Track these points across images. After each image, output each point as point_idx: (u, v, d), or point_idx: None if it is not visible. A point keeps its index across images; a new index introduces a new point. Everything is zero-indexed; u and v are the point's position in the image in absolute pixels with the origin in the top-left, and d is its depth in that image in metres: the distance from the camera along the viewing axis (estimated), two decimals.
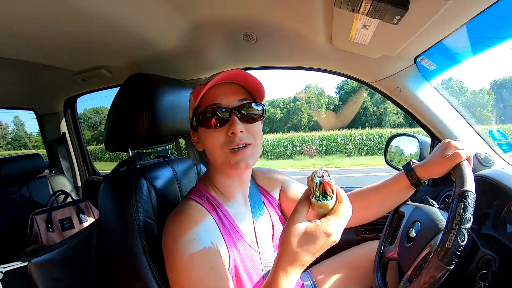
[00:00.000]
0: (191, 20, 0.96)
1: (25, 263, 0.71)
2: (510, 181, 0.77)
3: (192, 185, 0.79)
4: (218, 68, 1.27)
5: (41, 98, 1.89)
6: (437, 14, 0.58)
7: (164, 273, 0.62)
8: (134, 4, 0.82)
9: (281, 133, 18.52)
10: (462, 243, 0.52)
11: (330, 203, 0.48)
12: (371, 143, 15.05)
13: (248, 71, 0.66)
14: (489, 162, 0.97)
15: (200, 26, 1.00)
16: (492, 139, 1.05)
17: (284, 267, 0.48)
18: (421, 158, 1.16)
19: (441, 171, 0.71)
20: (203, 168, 1.08)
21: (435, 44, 0.87)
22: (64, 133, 2.00)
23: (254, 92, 0.69)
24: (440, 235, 0.58)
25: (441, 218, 0.72)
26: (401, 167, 0.81)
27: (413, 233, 0.76)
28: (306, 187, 0.89)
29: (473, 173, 0.64)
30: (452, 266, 0.53)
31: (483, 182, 0.83)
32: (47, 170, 2.06)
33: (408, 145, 1.32)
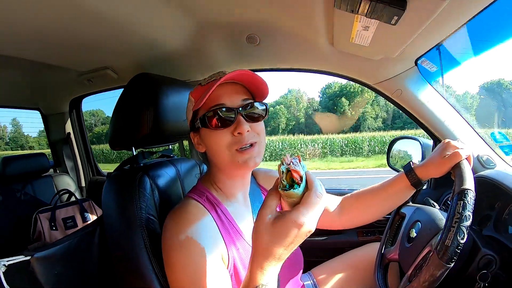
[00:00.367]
0: (196, 22, 0.98)
1: (28, 257, 0.72)
2: None
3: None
4: (221, 69, 1.28)
5: (46, 98, 1.92)
6: (435, 14, 0.59)
7: (164, 270, 0.63)
8: (140, 5, 0.84)
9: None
10: (462, 241, 0.53)
11: (297, 191, 0.44)
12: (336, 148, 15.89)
13: None
14: (491, 164, 0.96)
15: (205, 28, 1.01)
16: (494, 141, 1.05)
17: (259, 263, 0.46)
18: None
19: (441, 171, 0.71)
20: (206, 169, 1.08)
21: (436, 45, 0.88)
22: (69, 133, 2.03)
23: (256, 92, 0.70)
24: (440, 234, 0.58)
25: (442, 217, 0.72)
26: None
27: (413, 233, 0.76)
28: None
29: (474, 173, 0.64)
30: (452, 264, 0.53)
31: (484, 183, 0.83)
32: (51, 170, 2.09)
33: (410, 148, 1.32)
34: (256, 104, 0.67)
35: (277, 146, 16.70)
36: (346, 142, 16.44)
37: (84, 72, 1.39)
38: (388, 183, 0.81)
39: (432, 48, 0.91)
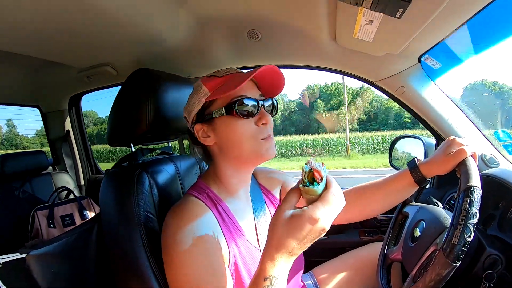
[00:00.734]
0: (196, 17, 0.97)
1: (23, 255, 0.71)
2: None
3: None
4: (222, 65, 1.27)
5: (46, 96, 1.90)
6: (441, 8, 0.57)
7: (163, 268, 0.62)
8: (140, 0, 0.83)
9: None
10: (469, 239, 0.51)
11: (317, 189, 0.48)
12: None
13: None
14: (494, 163, 0.95)
15: (205, 23, 1.00)
16: (498, 140, 1.04)
17: (270, 254, 0.47)
18: None
19: (446, 168, 0.69)
20: (205, 166, 1.07)
21: (439, 42, 0.87)
22: (68, 131, 2.01)
23: (267, 89, 0.71)
24: (446, 232, 0.57)
25: (446, 216, 0.70)
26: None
27: (417, 233, 0.74)
28: None
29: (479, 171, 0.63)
30: (459, 263, 0.51)
31: (488, 181, 0.82)
32: (50, 168, 2.07)
33: (413, 147, 1.30)
34: (271, 100, 0.71)
35: None
36: (313, 143, 16.94)
37: (83, 69, 1.38)
38: (392, 179, 0.79)
39: (436, 45, 0.90)
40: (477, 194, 0.55)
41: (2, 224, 1.53)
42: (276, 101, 0.73)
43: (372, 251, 1.00)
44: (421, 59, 0.99)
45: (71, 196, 1.72)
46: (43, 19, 0.85)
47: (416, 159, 0.77)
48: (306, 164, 0.51)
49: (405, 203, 0.88)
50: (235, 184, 0.73)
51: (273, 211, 0.82)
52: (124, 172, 0.80)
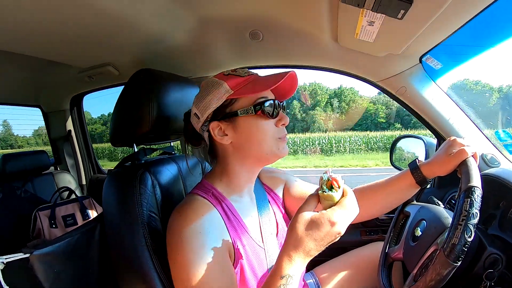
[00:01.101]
0: (198, 17, 0.97)
1: (27, 255, 0.71)
2: None
3: (197, 182, 0.78)
4: (224, 66, 1.27)
5: (47, 95, 1.90)
6: (442, 8, 0.58)
7: (166, 268, 0.62)
8: (142, 0, 0.83)
9: None
10: (469, 239, 0.52)
11: (335, 195, 0.52)
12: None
13: (253, 70, 0.70)
14: (495, 163, 0.95)
15: (207, 23, 1.00)
16: (498, 140, 1.04)
17: (288, 251, 0.50)
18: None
19: (447, 168, 0.70)
20: (208, 166, 1.07)
21: (441, 42, 0.87)
22: (70, 130, 2.02)
23: (281, 92, 0.74)
24: (446, 232, 0.57)
25: (447, 216, 0.71)
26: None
27: (418, 232, 0.75)
28: (309, 184, 0.88)
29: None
30: (459, 263, 0.52)
31: (489, 181, 0.82)
32: (52, 167, 2.07)
33: (414, 147, 1.31)
34: (283, 103, 0.75)
35: None
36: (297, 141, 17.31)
37: (85, 68, 1.38)
38: (393, 179, 0.80)
39: (437, 45, 0.90)
40: (478, 194, 0.55)
41: (4, 224, 1.53)
42: (285, 103, 0.76)
43: (373, 250, 1.01)
44: (422, 59, 0.99)
45: (73, 196, 1.72)
46: (44, 19, 0.85)
47: (417, 160, 0.77)
48: (324, 173, 0.55)
49: (406, 202, 0.88)
50: (244, 182, 0.74)
51: (276, 210, 0.82)
52: (127, 172, 0.80)
